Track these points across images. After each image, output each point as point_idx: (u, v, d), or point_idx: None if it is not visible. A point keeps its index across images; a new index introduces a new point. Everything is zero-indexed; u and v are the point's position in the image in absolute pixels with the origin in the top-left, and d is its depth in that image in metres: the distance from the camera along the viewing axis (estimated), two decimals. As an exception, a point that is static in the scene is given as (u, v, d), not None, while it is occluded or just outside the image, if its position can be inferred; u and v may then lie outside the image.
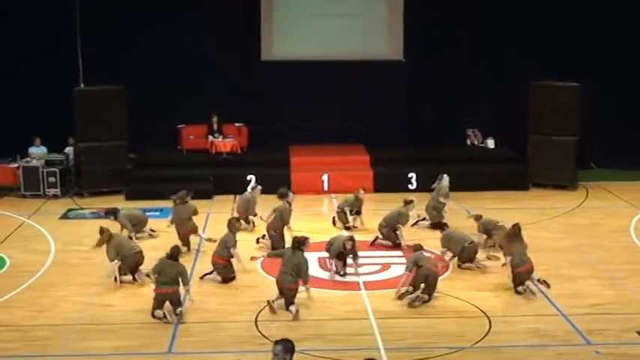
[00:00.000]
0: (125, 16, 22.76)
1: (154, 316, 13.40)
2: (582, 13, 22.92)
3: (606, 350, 12.25)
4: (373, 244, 17.36)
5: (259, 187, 18.90)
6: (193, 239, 17.14)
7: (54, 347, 12.60)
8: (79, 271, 15.82)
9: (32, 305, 14.16)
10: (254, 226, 18.38)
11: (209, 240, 16.95)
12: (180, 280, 13.53)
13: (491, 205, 20.10)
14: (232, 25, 23.12)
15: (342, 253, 15.51)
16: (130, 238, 16.77)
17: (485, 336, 12.81)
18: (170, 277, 13.46)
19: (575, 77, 21.73)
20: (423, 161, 22.34)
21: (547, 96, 22.04)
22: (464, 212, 18.92)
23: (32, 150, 22.47)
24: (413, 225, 18.29)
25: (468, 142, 24.36)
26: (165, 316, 13.30)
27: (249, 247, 16.92)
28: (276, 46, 24.01)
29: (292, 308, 13.51)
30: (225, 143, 22.96)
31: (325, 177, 22.06)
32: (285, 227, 16.89)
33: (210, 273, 15.34)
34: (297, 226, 17.60)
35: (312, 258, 15.00)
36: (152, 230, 17.95)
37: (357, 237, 16.32)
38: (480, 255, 15.98)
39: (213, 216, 19.36)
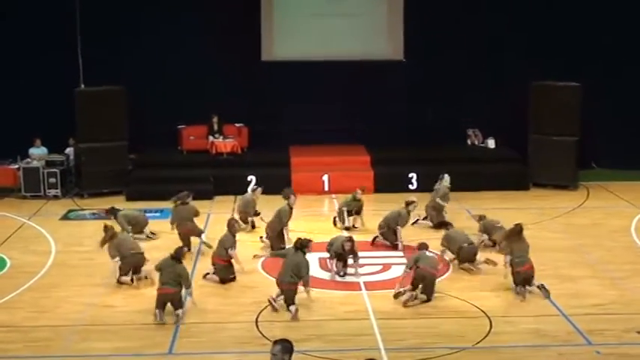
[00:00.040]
0: (125, 16, 22.76)
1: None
2: (583, 13, 22.92)
3: (607, 350, 12.24)
4: (374, 244, 17.39)
5: (259, 189, 18.91)
6: (194, 239, 17.10)
7: (55, 348, 12.60)
8: (80, 272, 15.82)
9: (33, 306, 14.17)
10: (253, 227, 18.38)
11: (207, 245, 16.82)
12: (180, 281, 13.54)
13: (492, 205, 20.08)
14: (233, 25, 23.12)
15: (341, 253, 15.52)
16: (129, 238, 16.77)
17: (486, 336, 12.80)
18: (171, 276, 13.46)
19: (576, 77, 21.73)
20: (424, 161, 22.32)
21: (547, 96, 22.04)
22: (464, 212, 18.91)
23: (32, 151, 22.46)
24: (413, 224, 18.28)
25: (469, 142, 24.36)
26: (157, 317, 13.29)
27: (249, 247, 16.94)
28: (276, 46, 24.01)
29: (292, 308, 13.53)
30: (225, 144, 22.95)
31: (326, 177, 22.04)
32: (284, 229, 16.90)
33: (215, 273, 15.38)
34: (298, 227, 17.64)
35: (312, 258, 14.98)
36: (152, 233, 17.90)
37: (357, 237, 16.33)
38: (480, 257, 15.93)
39: (214, 217, 19.35)
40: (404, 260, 15.67)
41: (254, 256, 16.35)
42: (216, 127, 23.18)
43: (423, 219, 18.72)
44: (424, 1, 23.35)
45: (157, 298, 13.45)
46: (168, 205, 18.00)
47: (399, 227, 17.16)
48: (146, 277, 14.90)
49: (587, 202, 21.03)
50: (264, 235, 17.23)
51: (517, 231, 14.86)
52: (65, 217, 19.98)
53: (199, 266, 15.97)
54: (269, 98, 23.54)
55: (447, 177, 18.93)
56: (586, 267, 16.02)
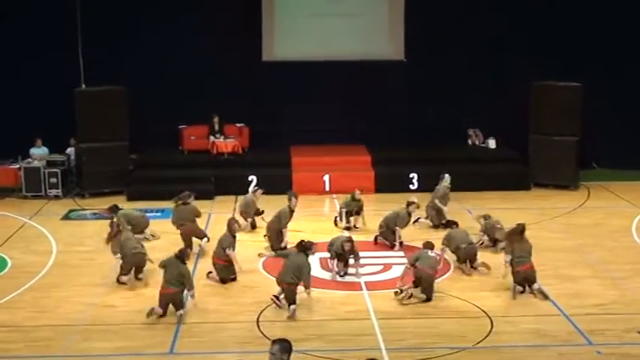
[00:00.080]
0: (126, 16, 22.77)
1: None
2: (583, 14, 22.92)
3: (608, 350, 12.25)
4: (376, 243, 17.40)
5: (260, 190, 18.90)
6: (195, 239, 17.10)
7: (56, 348, 12.60)
8: (81, 272, 15.83)
9: (34, 306, 14.17)
10: (253, 227, 18.39)
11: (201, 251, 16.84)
12: (183, 281, 13.55)
13: (493, 205, 20.07)
14: (233, 25, 23.13)
15: (341, 253, 15.53)
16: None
17: (486, 336, 12.81)
18: (174, 276, 13.48)
19: (576, 77, 21.73)
20: (425, 161, 22.31)
21: (548, 96, 22.04)
22: (465, 212, 18.90)
23: (33, 151, 22.45)
24: (414, 223, 18.28)
25: (470, 142, 24.36)
26: (152, 313, 13.30)
27: (249, 247, 16.95)
28: (277, 46, 24.02)
29: (292, 307, 13.53)
30: (226, 144, 22.95)
31: (326, 177, 22.04)
32: (282, 230, 16.91)
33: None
34: (299, 227, 17.64)
35: (313, 258, 15.00)
36: (152, 235, 17.87)
37: (358, 237, 16.34)
38: (479, 258, 15.89)
39: (215, 217, 19.34)
40: (404, 260, 15.66)
41: (259, 255, 16.44)
42: (217, 127, 23.18)
43: (426, 218, 18.72)
44: (425, 1, 23.35)
45: (159, 299, 13.46)
46: (169, 205, 18.00)
47: (397, 227, 17.16)
48: (141, 279, 14.94)
49: (587, 202, 21.03)
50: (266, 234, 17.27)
51: (519, 231, 14.82)
52: (66, 217, 19.99)
53: (200, 266, 15.98)
54: (270, 98, 23.54)
55: (447, 177, 18.92)
56: (587, 267, 16.02)
